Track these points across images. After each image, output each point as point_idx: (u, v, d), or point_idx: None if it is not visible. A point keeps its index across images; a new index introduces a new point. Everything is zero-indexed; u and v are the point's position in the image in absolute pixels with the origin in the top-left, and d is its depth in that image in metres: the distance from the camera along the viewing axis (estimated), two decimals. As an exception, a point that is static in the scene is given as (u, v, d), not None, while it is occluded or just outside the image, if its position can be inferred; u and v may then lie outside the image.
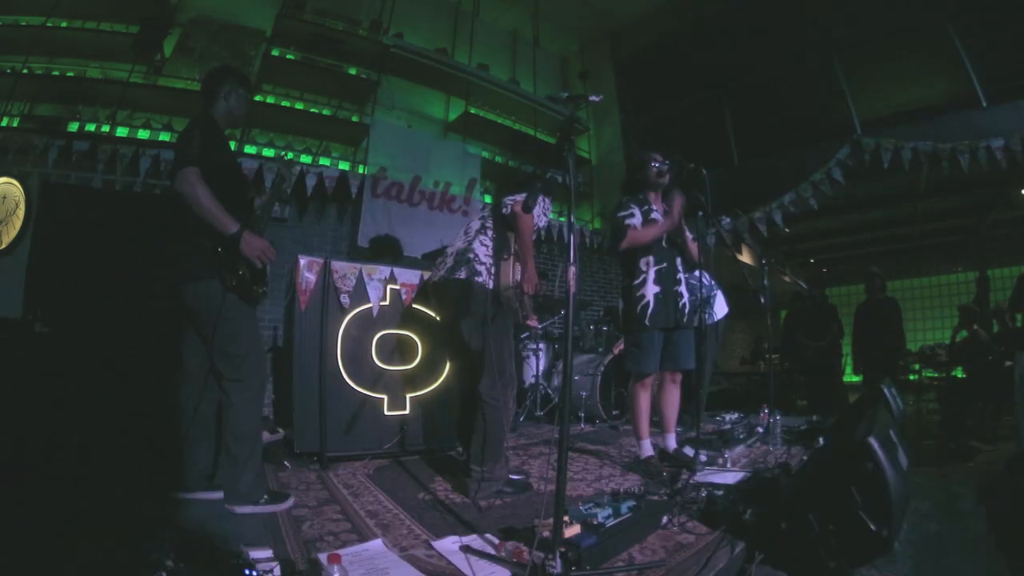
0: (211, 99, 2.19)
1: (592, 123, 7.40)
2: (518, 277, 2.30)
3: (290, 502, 2.05)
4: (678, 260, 2.80)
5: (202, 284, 1.99)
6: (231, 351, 2.03)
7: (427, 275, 3.12)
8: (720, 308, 3.67)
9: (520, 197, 2.23)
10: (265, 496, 2.01)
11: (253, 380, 2.08)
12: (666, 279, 2.73)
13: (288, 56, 5.22)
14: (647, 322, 2.67)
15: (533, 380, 4.70)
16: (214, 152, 2.02)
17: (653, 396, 2.87)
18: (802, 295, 6.01)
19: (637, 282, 2.73)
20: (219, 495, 2.06)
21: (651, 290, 2.69)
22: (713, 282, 3.62)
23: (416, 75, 6.03)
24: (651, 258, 2.73)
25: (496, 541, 1.64)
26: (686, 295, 2.79)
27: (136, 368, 3.22)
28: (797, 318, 5.93)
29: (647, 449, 2.77)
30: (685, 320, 2.75)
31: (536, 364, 4.73)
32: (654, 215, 2.78)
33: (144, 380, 3.13)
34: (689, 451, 2.78)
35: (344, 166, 5.36)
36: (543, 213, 2.46)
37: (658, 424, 2.93)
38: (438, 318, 2.89)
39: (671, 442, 2.84)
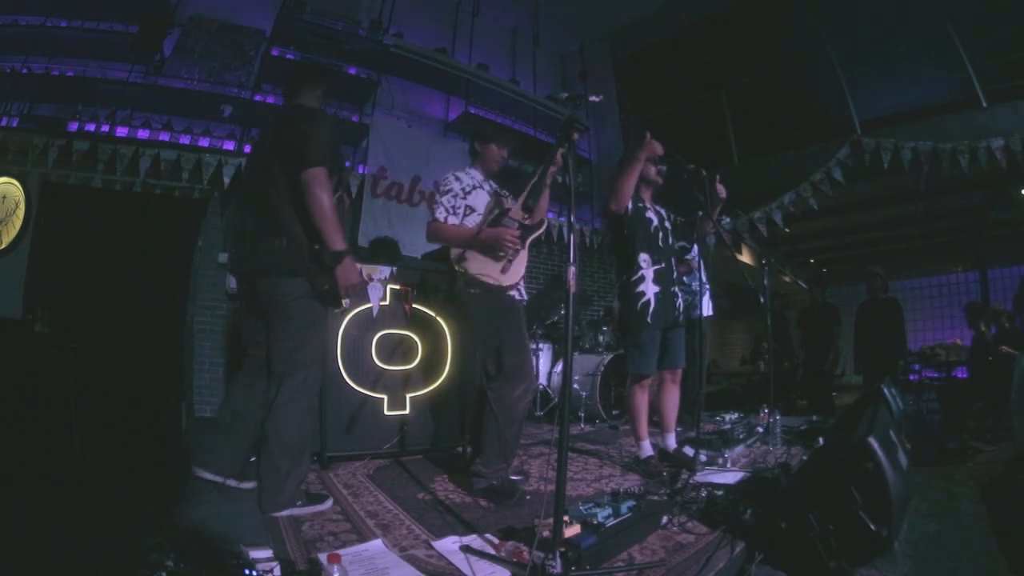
0: (298, 96, 2.11)
1: (592, 123, 7.40)
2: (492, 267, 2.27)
3: (329, 503, 2.04)
4: (673, 260, 2.82)
5: (290, 281, 1.92)
6: (300, 357, 1.95)
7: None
8: (706, 308, 3.69)
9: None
10: (301, 500, 1.97)
11: (310, 390, 2.01)
12: (664, 279, 2.74)
13: (288, 56, 5.22)
14: (649, 320, 2.66)
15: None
16: (337, 154, 1.98)
17: (652, 396, 2.87)
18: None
19: (635, 278, 2.71)
20: (247, 485, 2.05)
21: (651, 289, 2.69)
22: (706, 281, 3.67)
23: (416, 75, 6.02)
24: (648, 256, 2.73)
25: (496, 541, 1.64)
26: (680, 295, 2.85)
27: (136, 367, 3.23)
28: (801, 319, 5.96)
29: (647, 449, 2.77)
30: (681, 319, 2.79)
31: (536, 364, 4.73)
32: (648, 214, 2.81)
33: (144, 379, 3.14)
34: (689, 451, 2.78)
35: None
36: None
37: (658, 424, 2.93)
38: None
39: (671, 442, 2.84)
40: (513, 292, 2.34)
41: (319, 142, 1.87)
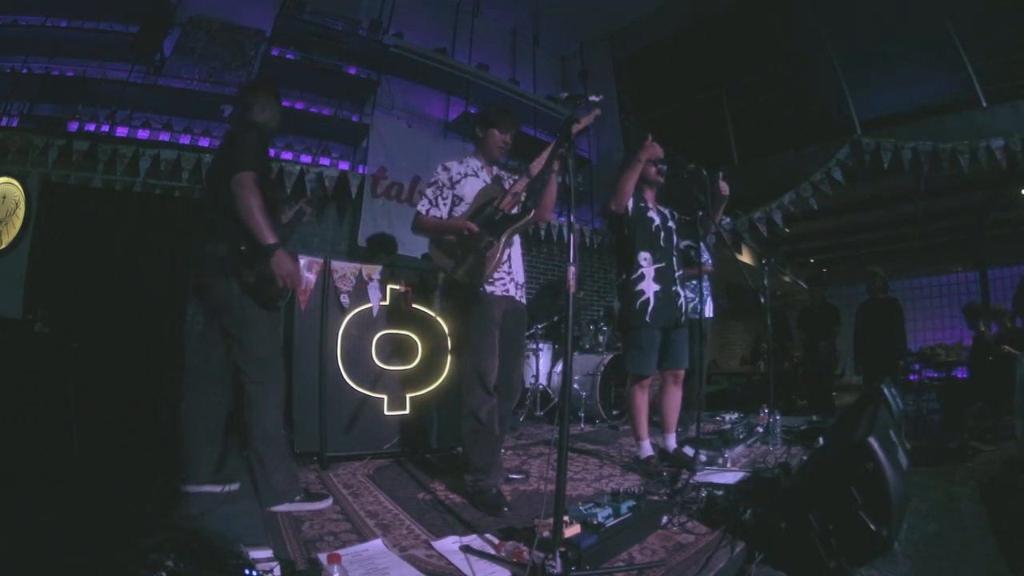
0: (248, 109, 2.23)
1: (592, 123, 7.38)
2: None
3: (328, 502, 2.06)
4: (675, 260, 2.81)
5: (223, 282, 2.01)
6: (258, 354, 2.05)
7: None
8: (707, 309, 3.69)
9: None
10: (300, 496, 2.02)
11: (276, 383, 2.11)
12: (666, 278, 2.73)
13: (288, 56, 5.22)
14: (648, 319, 2.65)
15: (533, 380, 4.70)
16: (264, 160, 2.08)
17: (654, 396, 2.87)
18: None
19: (635, 277, 2.71)
20: (224, 488, 2.09)
21: (651, 287, 2.68)
22: (708, 286, 3.67)
23: (416, 75, 6.02)
24: (649, 255, 2.72)
25: (496, 541, 1.64)
26: (683, 293, 2.83)
27: (136, 367, 3.22)
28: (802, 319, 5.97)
29: (647, 449, 2.77)
30: (683, 319, 2.77)
31: (536, 364, 4.73)
32: (650, 214, 2.80)
33: (144, 379, 3.13)
34: (689, 451, 2.78)
35: (344, 166, 5.36)
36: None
37: (658, 424, 2.93)
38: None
39: (671, 442, 2.84)
40: (488, 289, 2.22)
41: (247, 150, 2.01)
